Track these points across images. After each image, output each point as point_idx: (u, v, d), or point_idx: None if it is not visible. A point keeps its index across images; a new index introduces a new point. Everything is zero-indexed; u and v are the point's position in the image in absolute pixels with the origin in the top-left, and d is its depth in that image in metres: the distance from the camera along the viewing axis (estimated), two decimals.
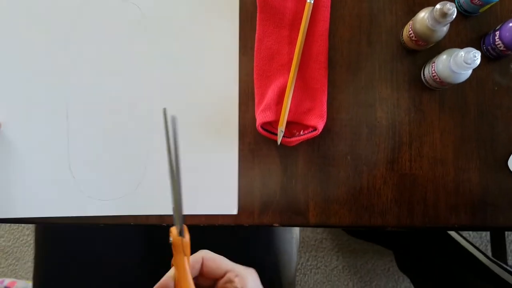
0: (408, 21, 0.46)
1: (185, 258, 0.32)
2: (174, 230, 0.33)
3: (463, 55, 0.39)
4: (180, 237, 0.32)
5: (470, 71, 0.41)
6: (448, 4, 0.38)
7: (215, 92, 0.47)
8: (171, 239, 0.32)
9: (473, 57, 0.37)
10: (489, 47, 0.44)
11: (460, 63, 0.39)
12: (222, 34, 0.47)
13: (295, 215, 0.47)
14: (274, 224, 0.47)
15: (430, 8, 0.41)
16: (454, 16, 0.38)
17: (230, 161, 0.46)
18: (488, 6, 0.43)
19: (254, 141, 0.48)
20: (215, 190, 0.46)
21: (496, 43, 0.43)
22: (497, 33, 0.43)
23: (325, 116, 0.45)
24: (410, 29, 0.43)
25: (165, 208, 0.46)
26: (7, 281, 0.90)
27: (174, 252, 0.32)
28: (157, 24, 0.47)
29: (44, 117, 0.46)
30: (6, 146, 0.46)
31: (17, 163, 0.46)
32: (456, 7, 0.46)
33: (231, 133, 0.47)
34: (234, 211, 0.46)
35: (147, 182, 0.46)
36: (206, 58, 0.47)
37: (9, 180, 0.46)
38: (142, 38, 0.47)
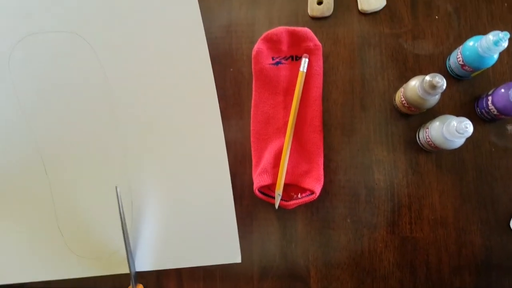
0: (400, 85, 0.47)
1: None
2: None
3: (455, 124, 0.39)
4: None
5: (463, 139, 0.42)
6: (437, 77, 0.39)
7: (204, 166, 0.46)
8: None
9: (464, 127, 0.38)
10: (483, 110, 0.45)
11: (452, 132, 0.39)
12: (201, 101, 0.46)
13: (296, 281, 0.46)
14: None
15: (421, 77, 0.42)
16: (444, 88, 0.39)
17: (226, 211, 0.45)
18: (479, 72, 0.45)
19: (252, 203, 0.48)
20: (216, 240, 0.45)
21: (490, 107, 0.43)
22: (490, 98, 0.43)
23: (322, 179, 0.45)
24: (402, 96, 0.44)
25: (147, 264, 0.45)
26: None
27: None
28: (128, 96, 0.45)
29: (23, 173, 0.45)
30: None
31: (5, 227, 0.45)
32: (448, 71, 0.47)
33: (224, 181, 0.46)
34: (237, 259, 0.45)
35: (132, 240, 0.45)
36: (188, 129, 0.46)
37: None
38: (102, 83, 0.45)
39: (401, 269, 0.45)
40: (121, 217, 0.42)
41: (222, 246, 0.45)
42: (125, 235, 0.42)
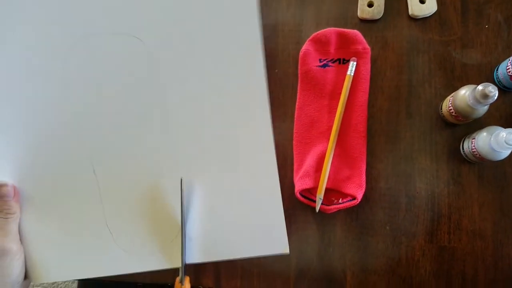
0: (447, 94, 0.47)
1: None
2: (177, 279, 0.41)
3: (505, 135, 0.39)
4: (180, 284, 0.41)
5: (509, 151, 0.42)
6: (490, 86, 0.39)
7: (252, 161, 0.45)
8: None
9: None
10: None
11: (501, 143, 0.39)
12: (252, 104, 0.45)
13: (332, 284, 0.47)
14: (199, 286, 0.47)
15: (471, 86, 0.42)
16: (495, 98, 0.39)
17: (274, 199, 0.44)
18: None
19: (292, 206, 0.48)
20: (264, 231, 0.44)
21: None
22: None
23: (364, 186, 0.45)
24: (450, 104, 0.44)
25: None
26: None
27: None
28: (172, 76, 0.44)
29: (72, 173, 0.45)
30: (40, 208, 0.44)
31: (53, 223, 0.45)
32: (495, 82, 0.47)
33: (272, 173, 0.44)
34: (286, 250, 0.44)
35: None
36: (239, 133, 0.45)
37: (45, 244, 0.44)
38: (158, 88, 0.44)
39: (437, 278, 0.46)
40: (182, 209, 0.42)
41: (270, 238, 0.44)
42: (183, 227, 0.42)
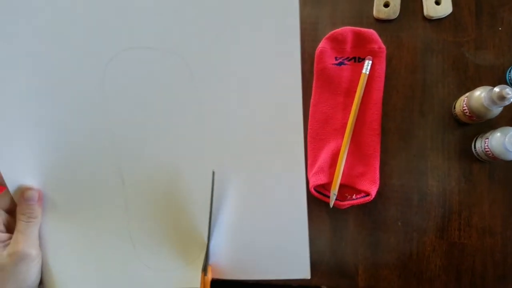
0: (460, 94, 0.48)
1: None
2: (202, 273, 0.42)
3: None
4: (203, 273, 0.41)
5: None
6: (507, 88, 0.40)
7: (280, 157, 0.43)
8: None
9: None
10: None
11: None
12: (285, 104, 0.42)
13: (344, 278, 0.48)
14: (322, 286, 0.48)
15: (487, 88, 0.42)
16: None
17: (300, 223, 0.43)
18: None
19: None
20: (285, 254, 0.44)
21: None
22: None
23: (378, 182, 0.46)
24: (464, 104, 0.45)
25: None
26: None
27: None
28: (209, 89, 0.42)
29: (100, 182, 0.43)
30: (62, 215, 0.43)
31: (75, 235, 0.43)
32: (508, 84, 0.48)
33: (300, 196, 0.43)
34: (307, 274, 0.44)
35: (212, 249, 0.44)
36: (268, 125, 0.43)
37: (64, 252, 0.43)
38: (193, 100, 0.42)
39: (447, 274, 0.47)
40: (210, 206, 0.42)
41: (293, 262, 0.44)
42: (210, 227, 0.42)
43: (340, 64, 0.49)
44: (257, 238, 0.43)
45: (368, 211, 0.48)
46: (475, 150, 0.47)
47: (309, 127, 0.49)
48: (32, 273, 0.40)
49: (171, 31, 0.40)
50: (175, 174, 0.43)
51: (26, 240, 0.40)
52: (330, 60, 0.49)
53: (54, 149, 0.42)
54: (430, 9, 0.49)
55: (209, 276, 0.42)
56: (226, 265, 0.44)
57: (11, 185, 0.41)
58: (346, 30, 0.48)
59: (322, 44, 0.49)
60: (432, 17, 0.49)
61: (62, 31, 0.40)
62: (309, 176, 0.48)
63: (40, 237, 0.42)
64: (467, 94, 0.45)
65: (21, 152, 0.41)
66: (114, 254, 0.43)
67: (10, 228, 0.41)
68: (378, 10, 0.50)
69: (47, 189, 0.42)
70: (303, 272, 0.44)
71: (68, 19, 0.40)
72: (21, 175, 0.41)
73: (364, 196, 0.46)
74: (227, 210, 0.43)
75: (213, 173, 0.42)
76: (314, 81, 0.49)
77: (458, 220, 0.47)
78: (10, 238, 0.40)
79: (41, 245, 0.42)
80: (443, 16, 0.49)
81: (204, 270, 0.42)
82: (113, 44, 0.40)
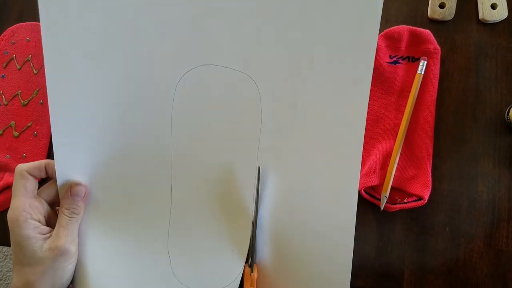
0: None
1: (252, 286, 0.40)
2: (247, 267, 0.41)
3: None
4: (249, 270, 0.41)
5: None
6: None
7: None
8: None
9: None
10: None
11: None
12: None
13: (389, 281, 0.47)
14: None
15: None
16: None
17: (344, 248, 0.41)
18: None
19: None
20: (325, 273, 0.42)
21: None
22: None
23: (430, 186, 0.45)
24: None
25: None
26: None
27: (244, 281, 0.41)
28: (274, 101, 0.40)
29: (147, 189, 0.42)
30: (103, 215, 0.41)
31: (111, 234, 0.42)
32: None
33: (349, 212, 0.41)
34: None
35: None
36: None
37: (99, 253, 0.41)
38: (257, 119, 0.41)
39: (493, 281, 0.46)
40: (257, 197, 0.41)
41: (330, 281, 0.41)
42: (254, 224, 0.41)
43: (394, 62, 0.48)
44: (297, 252, 0.42)
45: (416, 216, 0.47)
46: None
47: None
48: (68, 270, 0.38)
49: (249, 54, 0.39)
50: (222, 192, 0.41)
51: (68, 236, 0.38)
52: (385, 58, 0.48)
53: (108, 148, 0.40)
54: (486, 12, 0.48)
55: (255, 274, 0.41)
56: (267, 267, 0.42)
57: (60, 178, 0.39)
58: (403, 28, 0.47)
59: (378, 42, 0.47)
60: (487, 21, 0.49)
61: (145, 35, 0.39)
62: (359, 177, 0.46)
63: (78, 236, 0.40)
64: None
65: (76, 147, 0.40)
66: (149, 263, 0.42)
67: (50, 222, 0.39)
68: (433, 11, 0.49)
69: (92, 187, 0.41)
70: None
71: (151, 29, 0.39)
72: (72, 169, 0.40)
73: (416, 200, 0.45)
74: (272, 212, 0.42)
75: (259, 168, 0.41)
76: None
77: (506, 228, 0.47)
78: (50, 232, 0.38)
79: (78, 244, 0.40)
80: (498, 21, 0.49)
81: (251, 267, 0.41)
82: (192, 57, 0.39)
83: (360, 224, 0.47)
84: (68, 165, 0.40)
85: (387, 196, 0.45)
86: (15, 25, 0.51)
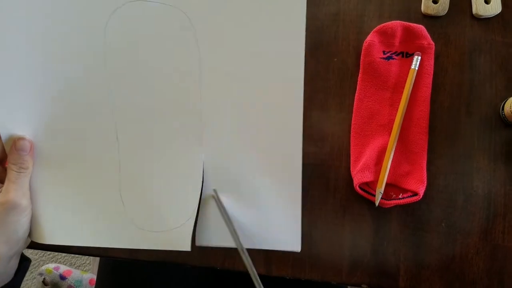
0: (508, 95, 0.47)
1: None
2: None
3: None
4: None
5: None
6: None
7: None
8: None
9: None
10: None
11: None
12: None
13: (385, 278, 0.46)
14: (362, 285, 0.47)
15: None
16: None
17: (293, 193, 0.44)
18: None
19: (345, 197, 0.48)
20: (278, 226, 0.44)
21: None
22: None
23: (425, 181, 0.45)
24: None
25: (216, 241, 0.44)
26: (62, 268, 0.88)
27: None
28: (212, 50, 0.41)
29: (93, 136, 0.43)
30: (52, 166, 0.42)
31: (64, 184, 0.43)
32: None
33: (293, 167, 0.44)
34: (297, 247, 0.44)
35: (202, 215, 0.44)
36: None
37: (52, 204, 0.43)
38: (194, 59, 0.42)
39: (490, 277, 0.46)
40: (224, 219, 0.42)
41: (283, 231, 0.44)
42: (234, 233, 0.42)
43: (388, 58, 0.48)
44: (250, 207, 0.43)
45: (411, 211, 0.47)
46: None
47: (353, 122, 0.48)
48: (22, 224, 0.39)
49: None
50: (170, 136, 0.42)
51: (17, 190, 0.39)
52: (378, 54, 0.48)
53: (49, 100, 0.41)
54: (480, 7, 0.48)
55: None
56: (218, 233, 0.43)
57: (3, 134, 0.40)
58: (396, 24, 0.47)
59: (370, 37, 0.47)
60: (481, 16, 0.48)
61: None
62: (354, 173, 0.46)
63: (30, 189, 0.41)
64: None
65: (16, 101, 0.40)
66: (104, 210, 0.43)
67: (0, 179, 0.40)
68: (427, 6, 0.49)
69: (39, 140, 0.41)
70: (295, 245, 0.44)
71: None
72: (15, 124, 0.40)
73: (411, 196, 0.45)
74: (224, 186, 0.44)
75: (215, 190, 0.43)
76: (360, 75, 0.48)
77: (502, 223, 0.46)
78: (0, 188, 0.39)
79: (31, 197, 0.41)
80: (492, 16, 0.49)
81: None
82: None
83: (355, 220, 0.47)
84: (9, 121, 0.40)
85: (382, 192, 0.45)
86: None
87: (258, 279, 0.38)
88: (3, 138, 0.40)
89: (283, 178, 0.44)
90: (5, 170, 0.40)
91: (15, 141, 0.40)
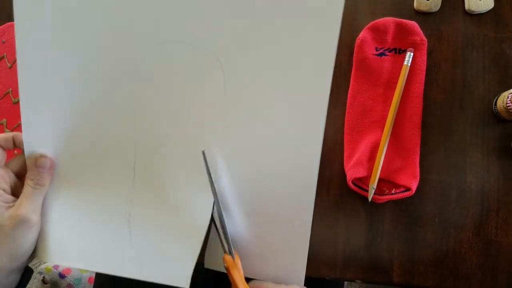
0: (501, 90, 0.47)
1: (240, 272, 0.38)
2: (226, 256, 0.39)
3: None
4: (230, 257, 0.39)
5: None
6: None
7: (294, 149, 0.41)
8: (225, 264, 0.39)
9: None
10: None
11: None
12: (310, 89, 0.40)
13: (379, 273, 0.47)
14: (356, 280, 0.47)
15: None
16: None
17: (303, 225, 0.41)
18: None
19: (340, 193, 0.48)
20: (283, 256, 0.42)
21: None
22: None
23: (418, 177, 0.45)
24: (508, 101, 0.44)
25: None
26: (62, 267, 0.89)
27: (229, 270, 0.38)
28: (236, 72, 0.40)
29: (112, 165, 0.42)
30: (67, 187, 0.42)
31: (75, 207, 0.42)
32: None
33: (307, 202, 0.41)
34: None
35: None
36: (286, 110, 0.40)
37: (61, 224, 0.42)
38: (220, 91, 0.40)
39: (483, 271, 0.46)
40: (211, 183, 0.40)
41: (287, 264, 0.42)
42: (220, 208, 0.40)
43: (381, 55, 0.48)
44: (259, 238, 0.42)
45: (405, 207, 0.47)
46: None
47: (346, 119, 0.48)
48: (28, 239, 0.39)
49: (207, 28, 0.39)
50: (185, 176, 0.41)
51: (29, 205, 0.39)
52: (371, 51, 0.48)
53: (73, 124, 0.41)
54: (472, 3, 0.48)
55: (238, 259, 0.39)
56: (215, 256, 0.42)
57: (27, 150, 0.40)
58: (388, 20, 0.47)
59: (363, 34, 0.48)
60: (474, 11, 0.49)
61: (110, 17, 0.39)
62: (347, 168, 0.47)
63: (42, 206, 0.41)
64: (511, 90, 0.44)
65: (43, 120, 0.41)
66: (111, 238, 0.42)
67: (16, 192, 0.40)
68: (419, 2, 0.49)
69: (59, 160, 0.42)
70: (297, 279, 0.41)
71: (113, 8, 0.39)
72: (39, 142, 0.41)
73: (404, 191, 0.45)
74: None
75: (203, 152, 0.40)
76: (353, 72, 0.48)
77: (495, 218, 0.46)
78: (14, 201, 0.39)
79: (42, 215, 0.41)
80: (484, 11, 0.49)
81: (230, 253, 0.39)
82: (155, 33, 0.39)
83: (349, 216, 0.47)
84: (35, 137, 0.41)
85: (375, 188, 0.45)
86: (5, 24, 0.52)
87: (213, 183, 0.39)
88: (26, 154, 0.40)
89: (291, 226, 0.41)
90: (22, 185, 0.40)
91: (36, 158, 0.40)
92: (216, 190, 0.40)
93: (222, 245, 0.40)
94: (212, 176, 0.40)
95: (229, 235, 0.40)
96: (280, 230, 0.41)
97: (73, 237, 0.42)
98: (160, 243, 0.42)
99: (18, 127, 0.51)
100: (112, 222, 0.42)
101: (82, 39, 0.40)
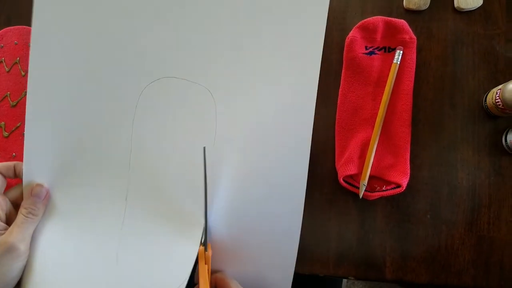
0: (490, 87, 0.47)
1: (206, 266, 0.39)
2: (201, 247, 0.41)
3: None
4: (203, 248, 0.40)
5: None
6: None
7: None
8: None
9: None
10: None
11: None
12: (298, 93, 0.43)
13: (371, 269, 0.47)
14: (349, 277, 0.47)
15: None
16: None
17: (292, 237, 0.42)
18: None
19: (331, 192, 0.48)
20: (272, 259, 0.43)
21: None
22: None
23: (409, 174, 0.46)
24: (497, 97, 0.44)
25: None
26: None
27: (199, 262, 0.40)
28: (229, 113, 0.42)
29: (105, 195, 0.43)
30: (59, 220, 0.43)
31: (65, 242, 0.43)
32: None
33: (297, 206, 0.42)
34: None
35: None
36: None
37: (50, 256, 0.42)
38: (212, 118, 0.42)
39: (475, 267, 0.46)
40: (205, 175, 0.41)
41: (274, 263, 0.43)
42: (206, 197, 0.41)
43: (370, 53, 0.48)
44: (250, 231, 0.43)
45: (396, 203, 0.47)
46: (506, 143, 0.46)
47: (337, 117, 0.49)
48: (14, 269, 0.39)
49: (200, 66, 0.42)
50: (175, 207, 0.42)
51: (19, 234, 0.39)
52: (360, 49, 0.48)
53: (72, 156, 0.42)
54: (461, 1, 0.49)
55: (209, 252, 0.40)
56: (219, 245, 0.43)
57: (26, 179, 0.41)
58: (378, 19, 0.48)
59: (353, 33, 0.48)
60: (463, 9, 0.49)
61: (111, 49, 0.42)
62: (338, 166, 0.47)
63: (32, 237, 0.41)
64: (500, 87, 0.45)
65: (44, 152, 0.42)
66: (98, 271, 0.42)
67: (10, 221, 0.40)
68: (409, 1, 0.49)
69: (54, 192, 0.42)
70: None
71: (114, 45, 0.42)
72: (38, 172, 0.42)
73: (394, 188, 0.45)
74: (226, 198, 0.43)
75: (204, 148, 0.42)
76: (343, 71, 0.49)
77: (487, 214, 0.47)
78: (6, 229, 0.39)
79: (31, 245, 0.41)
80: (474, 9, 0.49)
81: (204, 245, 0.40)
82: (154, 71, 0.42)
83: (340, 213, 0.48)
84: (35, 168, 0.41)
85: (366, 184, 0.46)
86: (3, 29, 0.53)
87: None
88: (24, 182, 0.41)
89: (281, 224, 0.43)
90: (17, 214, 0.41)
91: (32, 187, 0.41)
92: (207, 187, 0.41)
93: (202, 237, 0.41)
94: (206, 172, 0.41)
95: (209, 228, 0.41)
96: (269, 228, 0.42)
97: (59, 271, 0.42)
98: (147, 273, 0.42)
99: (16, 130, 0.52)
100: (99, 263, 0.42)
101: (84, 74, 0.42)
